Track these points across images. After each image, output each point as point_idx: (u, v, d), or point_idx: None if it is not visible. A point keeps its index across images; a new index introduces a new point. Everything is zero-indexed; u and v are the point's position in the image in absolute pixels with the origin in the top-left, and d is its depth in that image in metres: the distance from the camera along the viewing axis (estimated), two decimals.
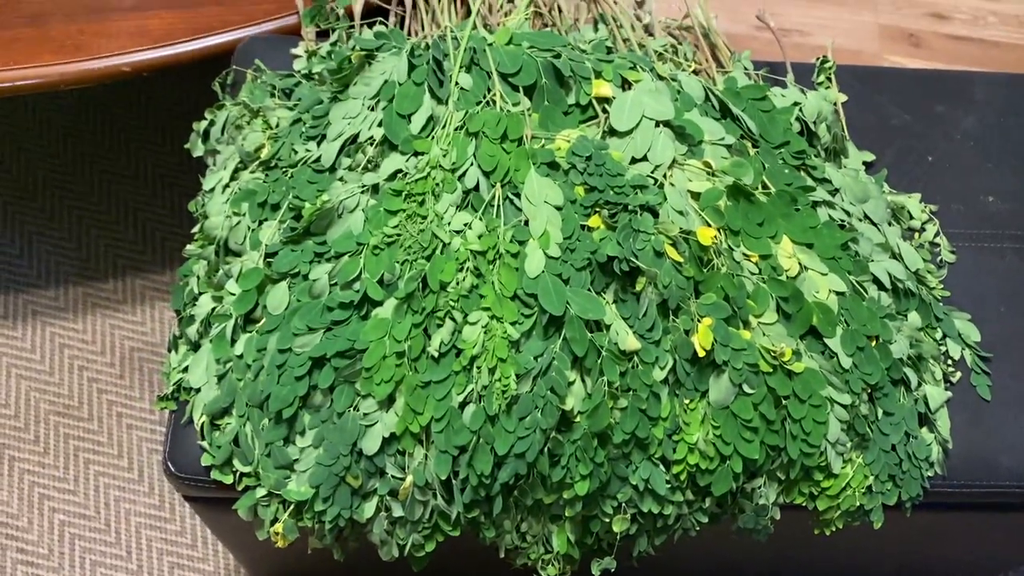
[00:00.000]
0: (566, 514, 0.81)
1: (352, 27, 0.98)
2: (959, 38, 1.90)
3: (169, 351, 0.90)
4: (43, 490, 1.32)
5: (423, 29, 0.93)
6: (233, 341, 0.81)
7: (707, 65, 0.94)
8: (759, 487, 0.84)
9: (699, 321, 0.75)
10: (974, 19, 1.94)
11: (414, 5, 0.96)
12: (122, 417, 1.37)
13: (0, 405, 1.37)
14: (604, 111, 0.83)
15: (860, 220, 0.91)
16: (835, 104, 0.99)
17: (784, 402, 0.79)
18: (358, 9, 0.98)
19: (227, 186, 0.88)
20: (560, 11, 0.96)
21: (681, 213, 0.76)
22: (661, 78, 0.86)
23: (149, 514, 1.32)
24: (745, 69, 0.98)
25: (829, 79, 1.05)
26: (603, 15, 0.95)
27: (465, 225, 0.76)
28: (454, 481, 0.78)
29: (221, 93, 1.04)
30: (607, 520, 0.83)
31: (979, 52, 1.89)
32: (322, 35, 1.03)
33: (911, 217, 1.00)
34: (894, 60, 1.89)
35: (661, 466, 0.80)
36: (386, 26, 0.96)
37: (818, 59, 1.06)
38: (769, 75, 1.00)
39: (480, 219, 0.77)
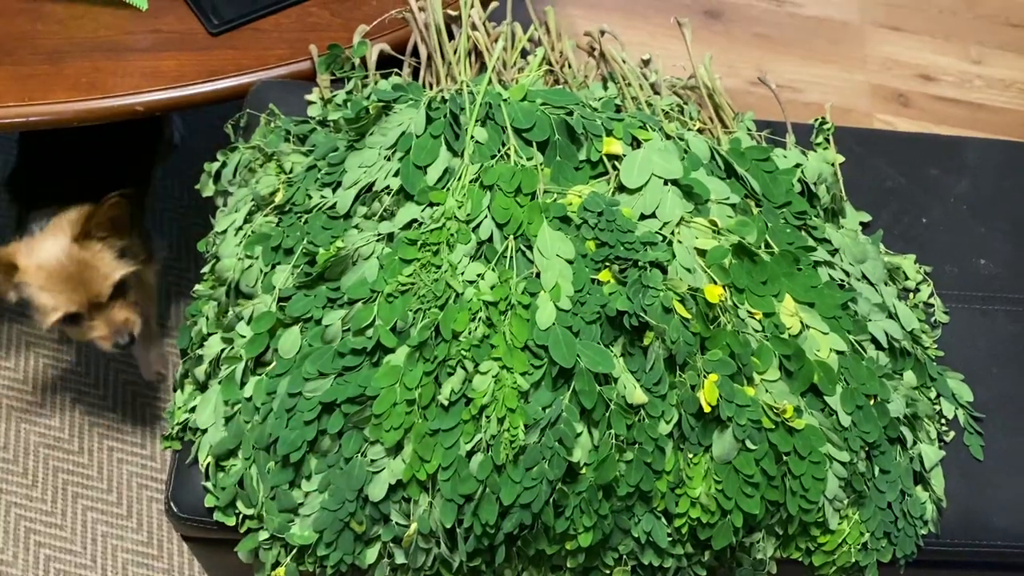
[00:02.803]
0: (567, 565, 0.82)
1: (367, 76, 1.00)
2: (947, 99, 1.96)
3: (174, 390, 0.91)
4: (29, 523, 1.31)
5: (437, 82, 0.95)
6: (242, 383, 0.82)
7: (712, 125, 0.97)
8: (757, 541, 0.85)
9: (705, 377, 0.77)
10: (960, 82, 2.00)
11: (429, 57, 0.98)
12: (113, 451, 1.37)
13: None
14: (614, 167, 0.85)
15: (858, 280, 0.93)
16: (834, 165, 1.02)
17: (785, 458, 0.80)
18: (373, 58, 1.00)
19: (240, 228, 0.89)
20: (570, 67, 0.99)
21: (689, 270, 0.78)
22: (669, 137, 0.88)
23: (137, 551, 1.31)
24: (748, 129, 1.01)
25: (827, 140, 1.08)
26: (612, 74, 0.98)
27: (478, 276, 0.78)
28: (458, 529, 0.78)
29: (233, 136, 1.05)
30: (607, 572, 0.83)
31: (966, 114, 1.95)
32: (336, 82, 1.05)
33: (906, 278, 1.03)
34: (884, 119, 1.94)
35: (663, 519, 0.81)
36: (401, 77, 0.98)
37: (816, 120, 1.09)
38: (771, 136, 1.02)
39: (493, 270, 0.78)
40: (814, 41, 2.03)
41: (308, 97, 1.03)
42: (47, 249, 1.07)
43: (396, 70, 1.00)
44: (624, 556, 0.82)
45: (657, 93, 1.02)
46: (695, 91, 1.04)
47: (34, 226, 1.15)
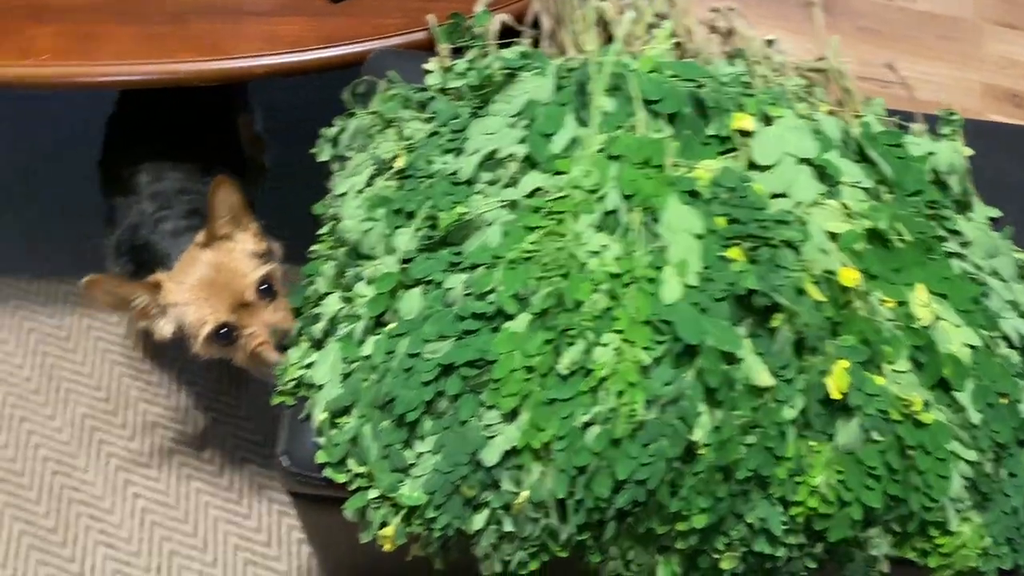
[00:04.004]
0: (676, 546, 0.80)
1: (486, 46, 1.00)
2: None
3: (288, 347, 0.92)
4: (128, 475, 1.35)
5: (561, 52, 0.94)
6: (361, 342, 0.82)
7: (842, 109, 0.94)
8: (873, 537, 0.82)
9: (836, 363, 0.74)
10: None
11: (552, 28, 0.97)
12: (209, 410, 1.40)
13: (93, 388, 1.40)
14: (743, 144, 0.83)
15: (990, 275, 0.89)
16: (965, 156, 0.98)
17: (910, 453, 0.77)
18: (494, 29, 1.00)
19: (360, 192, 0.90)
20: (694, 42, 0.97)
21: (823, 252, 0.76)
22: (800, 117, 0.86)
23: (228, 508, 1.33)
24: (877, 115, 0.97)
25: (956, 131, 1.04)
26: (740, 51, 0.95)
27: (602, 247, 0.77)
28: (569, 501, 0.77)
29: (350, 102, 1.06)
30: (716, 556, 0.81)
31: None
32: (454, 52, 1.04)
33: None
34: (996, 119, 1.86)
35: (779, 506, 0.79)
36: (529, 46, 0.98)
37: (944, 111, 1.05)
38: (902, 123, 0.99)
39: (618, 242, 0.77)
40: (924, 37, 1.96)
41: (426, 66, 1.03)
42: (182, 263, 1.03)
43: (518, 39, 0.99)
44: (735, 541, 0.80)
45: (781, 73, 0.99)
46: (820, 74, 1.01)
47: (119, 215, 1.16)
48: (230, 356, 1.03)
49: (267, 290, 1.01)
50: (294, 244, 1.52)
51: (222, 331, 1.00)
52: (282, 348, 0.98)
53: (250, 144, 1.43)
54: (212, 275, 1.00)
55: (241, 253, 1.02)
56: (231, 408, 1.40)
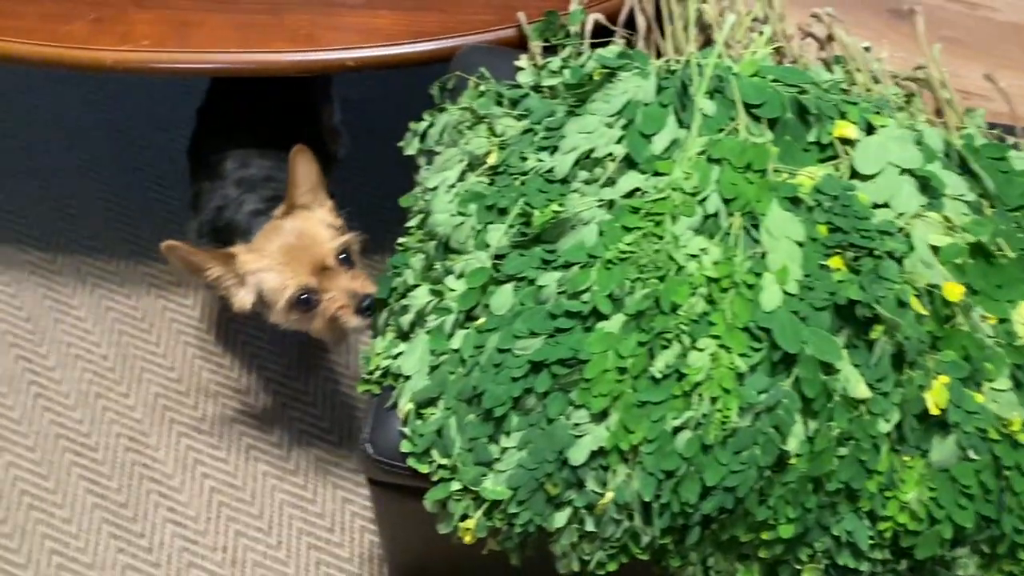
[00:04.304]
0: (759, 555, 0.79)
1: (580, 44, 1.00)
2: None
3: (373, 337, 0.93)
4: (197, 455, 1.37)
5: (657, 53, 0.93)
6: (450, 335, 0.83)
7: (942, 119, 0.92)
8: (960, 557, 0.81)
9: (935, 378, 0.73)
10: None
11: (648, 29, 0.97)
12: (278, 395, 1.42)
13: (166, 368, 1.43)
14: (845, 152, 0.82)
15: None
16: None
17: (1006, 473, 0.76)
18: (588, 27, 1.00)
19: (452, 187, 0.90)
20: (790, 47, 0.96)
21: (927, 265, 0.75)
22: (903, 126, 0.84)
23: (294, 492, 1.35)
24: (978, 127, 0.95)
25: None
26: (839, 57, 0.94)
27: (701, 250, 0.76)
28: (654, 504, 0.77)
29: (439, 97, 1.07)
30: (798, 568, 0.81)
31: None
32: (544, 50, 1.05)
33: None
34: None
35: (866, 520, 0.78)
36: (620, 46, 0.97)
37: None
38: (1002, 135, 0.97)
39: (717, 246, 0.77)
40: (1008, 48, 1.91)
41: (518, 63, 1.03)
42: (262, 233, 1.03)
43: (616, 39, 0.99)
44: (819, 554, 0.79)
45: (878, 82, 0.98)
46: (919, 83, 0.99)
47: (204, 200, 1.18)
48: (309, 324, 1.03)
49: (346, 259, 1.02)
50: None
51: (303, 296, 1.00)
52: (362, 312, 0.98)
53: (327, 135, 1.45)
54: (293, 241, 1.01)
55: (320, 221, 1.03)
56: (300, 393, 1.42)
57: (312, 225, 1.02)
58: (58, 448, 1.37)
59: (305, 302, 1.00)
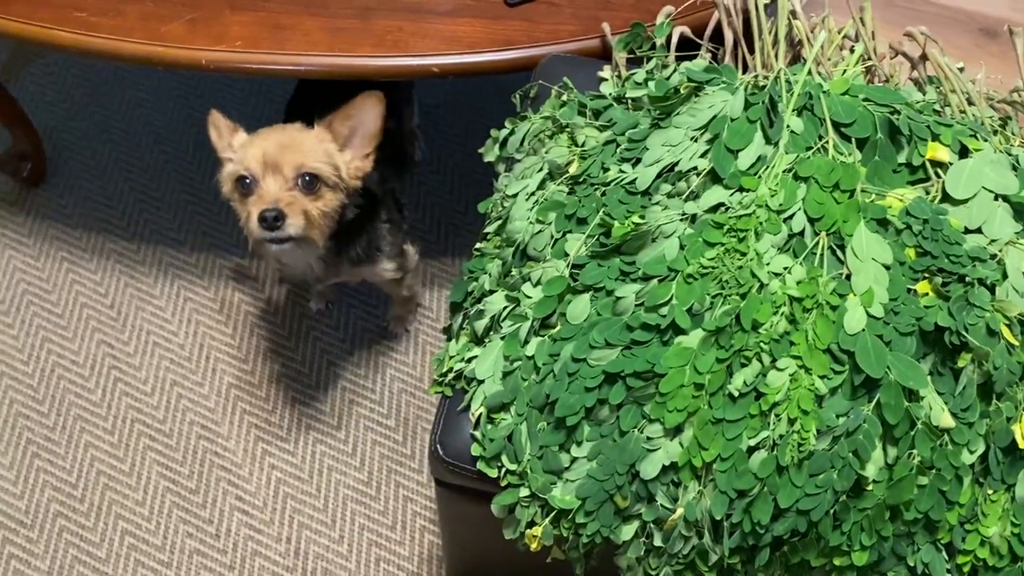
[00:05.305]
0: None
1: (666, 57, 1.00)
2: None
3: (448, 340, 0.94)
4: (266, 445, 1.41)
5: (744, 68, 0.93)
6: (525, 342, 0.83)
7: None
8: None
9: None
10: None
11: (735, 43, 0.96)
12: (345, 391, 1.44)
13: (240, 360, 1.47)
14: (937, 175, 0.80)
15: None
16: None
17: None
18: (674, 40, 0.99)
19: (532, 195, 0.91)
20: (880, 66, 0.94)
21: (1020, 294, 0.72)
22: (998, 151, 0.82)
23: (357, 488, 1.38)
24: None
25: None
26: (932, 78, 0.92)
27: (785, 268, 0.75)
28: (725, 523, 0.76)
29: (520, 105, 1.08)
30: None
31: None
32: (629, 62, 1.05)
33: None
34: None
35: (943, 552, 0.76)
36: (705, 60, 0.97)
37: None
38: None
39: (801, 265, 0.76)
40: None
41: (601, 74, 1.03)
42: (268, 127, 1.08)
43: (701, 52, 0.98)
44: None
45: (972, 104, 0.95)
46: (1013, 106, 0.96)
47: None
48: (241, 210, 1.06)
49: (308, 182, 1.03)
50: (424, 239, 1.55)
51: (244, 179, 1.03)
52: (262, 222, 1.00)
53: (405, 137, 1.47)
54: (283, 140, 1.04)
55: (321, 146, 1.05)
56: (367, 391, 1.44)
57: (310, 142, 1.05)
58: (134, 432, 1.42)
59: (243, 185, 1.04)
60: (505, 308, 0.87)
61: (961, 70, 0.99)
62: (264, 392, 1.45)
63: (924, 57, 0.92)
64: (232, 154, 1.06)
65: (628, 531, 0.80)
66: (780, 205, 0.77)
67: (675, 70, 0.93)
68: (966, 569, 0.76)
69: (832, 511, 0.73)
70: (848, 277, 0.75)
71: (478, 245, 0.96)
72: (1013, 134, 0.91)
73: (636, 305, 0.79)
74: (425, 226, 1.56)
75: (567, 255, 0.84)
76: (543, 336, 0.83)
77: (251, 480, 1.38)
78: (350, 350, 1.47)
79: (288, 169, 1.03)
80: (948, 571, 0.76)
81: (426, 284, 1.52)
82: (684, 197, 0.81)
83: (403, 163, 1.40)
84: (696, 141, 0.83)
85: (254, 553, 1.33)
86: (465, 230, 1.56)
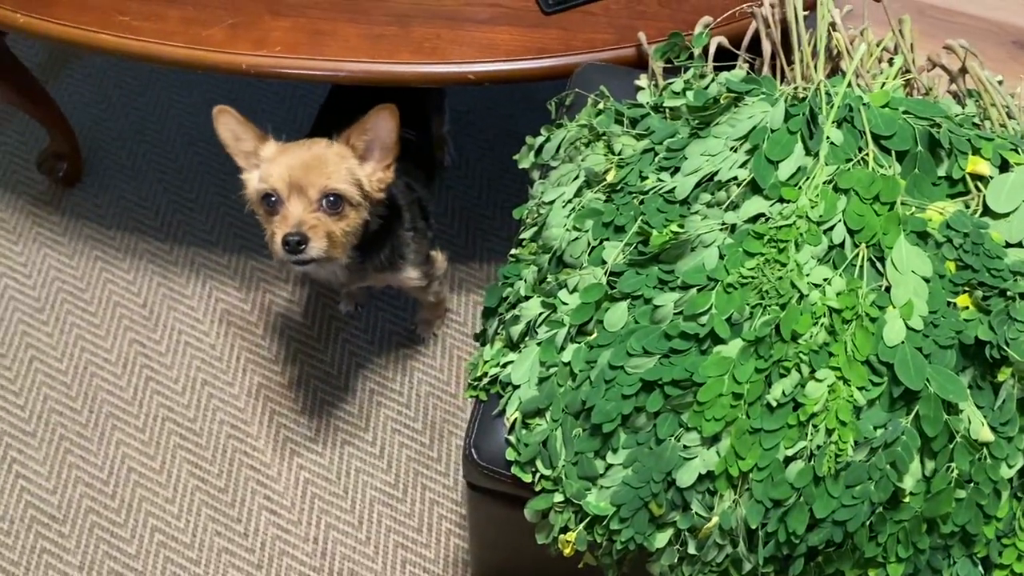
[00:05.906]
0: None
1: (704, 67, 1.00)
2: None
3: (481, 344, 0.95)
4: (294, 446, 1.42)
5: (782, 79, 0.93)
6: (561, 348, 0.84)
7: None
8: None
9: None
10: None
11: (773, 54, 0.96)
12: (373, 394, 1.45)
13: (270, 361, 1.49)
14: (977, 188, 0.80)
15: None
16: None
17: None
18: (712, 50, 1.00)
19: (569, 202, 0.92)
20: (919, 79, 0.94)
21: None
22: None
23: (384, 490, 1.39)
24: None
25: None
26: (972, 91, 0.92)
27: (824, 280, 0.76)
28: (760, 532, 0.77)
29: (555, 113, 1.09)
30: None
31: None
32: (666, 71, 1.05)
33: None
34: None
35: (979, 567, 0.76)
36: (744, 71, 0.97)
37: None
38: None
39: (841, 276, 0.76)
40: None
41: (638, 82, 1.04)
42: (294, 142, 1.07)
43: (739, 63, 0.99)
44: None
45: (1011, 117, 0.95)
46: None
47: None
48: (266, 227, 1.07)
49: (333, 203, 1.04)
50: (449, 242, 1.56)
51: (270, 197, 1.04)
52: (285, 245, 1.01)
53: (436, 142, 1.49)
54: (307, 159, 1.04)
55: (344, 164, 1.05)
56: (395, 394, 1.45)
57: (334, 161, 1.05)
58: (165, 430, 1.44)
59: (268, 203, 1.05)
60: (541, 314, 0.87)
61: (1000, 83, 0.99)
62: (293, 393, 1.46)
63: (963, 70, 0.92)
64: (258, 162, 1.07)
65: (662, 538, 0.81)
66: (820, 216, 0.78)
67: (713, 80, 0.94)
68: None
69: (868, 522, 0.73)
70: (888, 289, 0.75)
71: (513, 251, 0.97)
72: None
73: (675, 314, 0.79)
74: (453, 231, 1.57)
75: (604, 262, 0.85)
76: (579, 343, 0.83)
77: (279, 480, 1.40)
78: (378, 353, 1.48)
79: (313, 191, 1.03)
80: None
81: (454, 289, 1.53)
82: (724, 207, 0.81)
83: (431, 171, 1.41)
84: (736, 151, 0.84)
85: (281, 552, 1.34)
86: (493, 235, 1.57)
